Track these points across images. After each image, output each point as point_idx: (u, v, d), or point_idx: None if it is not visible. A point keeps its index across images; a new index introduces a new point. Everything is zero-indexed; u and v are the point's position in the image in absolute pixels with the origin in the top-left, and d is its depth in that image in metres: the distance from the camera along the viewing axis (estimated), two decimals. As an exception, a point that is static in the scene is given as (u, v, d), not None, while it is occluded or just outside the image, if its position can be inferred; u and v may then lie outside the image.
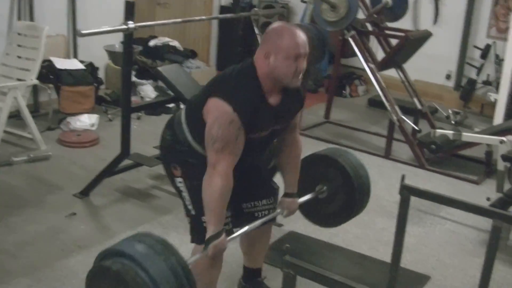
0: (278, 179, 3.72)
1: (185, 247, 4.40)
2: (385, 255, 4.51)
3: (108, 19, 6.76)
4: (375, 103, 8.33)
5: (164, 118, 7.18)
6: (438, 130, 6.20)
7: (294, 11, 10.01)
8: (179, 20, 5.78)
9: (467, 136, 6.04)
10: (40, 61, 6.16)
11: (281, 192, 3.68)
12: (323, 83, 9.18)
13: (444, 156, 6.42)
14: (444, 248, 4.82)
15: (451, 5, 8.82)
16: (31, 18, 6.86)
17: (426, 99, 7.80)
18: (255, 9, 5.96)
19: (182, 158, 3.34)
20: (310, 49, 3.19)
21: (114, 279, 2.67)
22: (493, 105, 7.59)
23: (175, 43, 8.36)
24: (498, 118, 7.12)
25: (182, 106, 7.08)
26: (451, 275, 4.45)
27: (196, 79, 5.93)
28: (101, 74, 7.56)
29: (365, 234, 4.93)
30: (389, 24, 7.32)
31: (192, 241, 3.39)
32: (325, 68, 9.13)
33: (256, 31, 6.20)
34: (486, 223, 5.07)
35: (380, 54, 7.30)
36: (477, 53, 8.58)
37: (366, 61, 6.69)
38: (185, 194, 3.34)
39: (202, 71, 8.33)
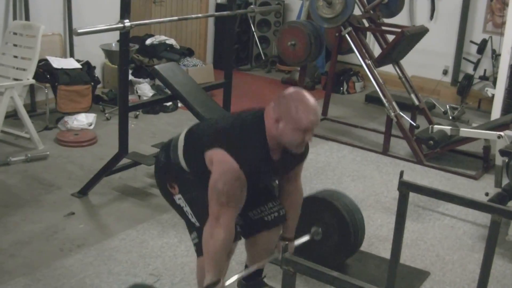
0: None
1: (184, 246, 4.42)
2: (384, 251, 4.53)
3: (104, 18, 6.76)
4: (372, 99, 8.33)
5: (162, 117, 7.26)
6: (436, 126, 6.20)
7: (290, 8, 10.00)
8: (175, 18, 5.77)
9: (465, 131, 6.04)
10: (36, 60, 6.15)
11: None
12: (320, 80, 9.18)
13: (442, 151, 6.42)
14: (443, 243, 4.82)
15: (447, 1, 8.82)
16: (27, 18, 6.86)
17: (423, 94, 7.80)
18: (252, 6, 5.98)
19: (177, 175, 3.35)
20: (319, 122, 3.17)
21: None
22: (490, 100, 7.58)
23: (171, 41, 8.35)
24: (496, 113, 7.11)
25: (180, 105, 7.11)
26: (450, 271, 4.44)
27: (193, 77, 5.93)
28: (98, 73, 7.55)
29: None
30: (386, 20, 7.32)
31: (199, 255, 3.36)
32: (322, 65, 9.13)
33: (253, 28, 6.21)
34: (485, 218, 5.08)
35: (377, 50, 7.29)
36: (474, 48, 8.58)
37: (363, 57, 6.68)
38: (187, 208, 3.35)
39: (199, 68, 8.33)
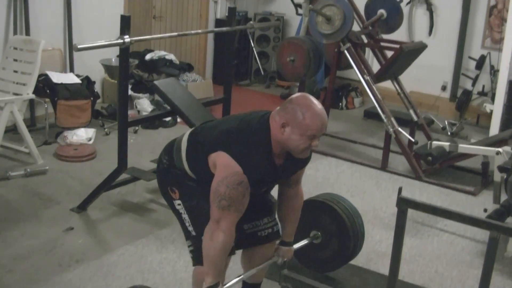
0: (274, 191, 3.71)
1: (183, 261, 4.42)
2: (383, 267, 4.52)
3: (104, 33, 6.81)
4: (371, 115, 8.34)
5: (161, 132, 7.26)
6: (435, 142, 6.21)
7: (289, 24, 10.04)
8: (175, 34, 5.81)
9: (463, 147, 6.05)
10: (36, 75, 6.17)
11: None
12: (319, 95, 9.19)
13: (441, 167, 6.42)
14: (442, 259, 4.82)
15: (445, 17, 8.85)
16: (27, 32, 6.88)
17: (422, 110, 7.82)
18: (251, 22, 5.97)
19: (179, 180, 3.35)
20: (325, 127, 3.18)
21: None
22: (489, 115, 7.60)
23: (171, 56, 8.37)
24: (494, 128, 7.12)
25: (179, 120, 7.11)
26: (449, 287, 4.44)
27: (193, 92, 5.95)
28: (97, 88, 7.56)
29: (362, 246, 4.92)
30: (384, 36, 7.35)
31: (194, 264, 3.40)
32: (321, 80, 9.15)
33: (252, 43, 6.23)
34: (483, 234, 5.08)
35: (375, 66, 7.32)
36: (472, 64, 8.60)
37: (362, 73, 6.70)
38: (185, 215, 3.35)
39: (199, 84, 8.35)
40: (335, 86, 8.03)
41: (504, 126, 7.16)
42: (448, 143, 6.14)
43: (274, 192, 3.67)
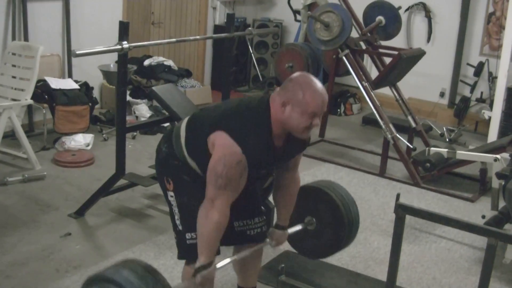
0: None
1: (180, 267, 4.38)
2: (381, 274, 4.52)
3: (102, 39, 6.82)
4: (369, 121, 8.35)
5: (159, 138, 7.19)
6: (433, 148, 6.22)
7: (288, 30, 10.05)
8: (174, 40, 5.80)
9: (461, 154, 6.06)
10: (34, 81, 6.16)
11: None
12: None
13: (439, 174, 6.43)
14: (440, 266, 4.82)
15: (444, 23, 8.87)
16: (26, 38, 6.88)
17: (420, 116, 7.83)
18: (249, 28, 5.99)
19: (176, 173, 3.34)
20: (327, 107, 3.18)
21: None
22: (487, 122, 7.61)
23: (169, 62, 8.38)
24: (492, 135, 7.13)
25: (176, 124, 7.10)
26: (447, 294, 4.45)
27: (191, 98, 5.94)
28: (96, 93, 7.57)
29: (360, 253, 4.93)
30: (383, 43, 7.35)
31: (178, 257, 3.43)
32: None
33: (251, 49, 6.23)
34: (481, 241, 5.08)
35: (374, 73, 7.32)
36: (471, 71, 8.61)
37: (360, 79, 6.71)
38: (175, 209, 3.36)
39: (197, 90, 8.35)
40: (333, 92, 8.05)
41: (502, 133, 7.18)
42: (446, 150, 6.16)
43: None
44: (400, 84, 7.12)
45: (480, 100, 8.46)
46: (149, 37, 8.73)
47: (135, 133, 7.19)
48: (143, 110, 7.66)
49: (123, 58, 4.69)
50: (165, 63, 8.31)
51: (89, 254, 4.60)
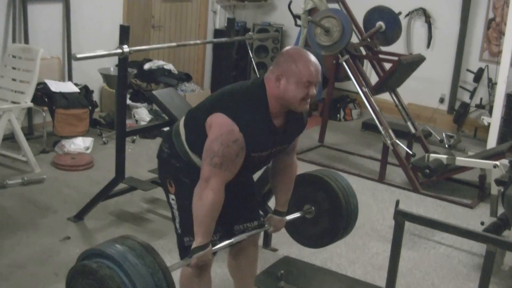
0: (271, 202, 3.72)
1: (179, 271, 4.39)
2: (380, 280, 4.52)
3: (102, 42, 6.83)
4: (369, 127, 8.35)
5: (159, 141, 7.18)
6: (432, 155, 6.22)
7: (288, 35, 10.06)
8: (174, 44, 5.79)
9: (460, 160, 6.06)
10: (34, 83, 6.16)
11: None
12: (317, 107, 9.21)
13: (438, 180, 6.43)
14: (438, 272, 4.82)
15: (444, 29, 8.88)
16: (26, 41, 6.89)
17: (419, 122, 7.84)
18: (250, 33, 6.00)
19: (177, 175, 3.32)
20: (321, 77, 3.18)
21: (98, 282, 2.70)
22: (486, 128, 7.61)
23: (169, 66, 8.38)
24: (492, 141, 7.13)
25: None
26: (446, 300, 4.44)
27: (191, 102, 5.94)
28: (95, 97, 7.57)
29: (359, 259, 4.93)
30: (383, 48, 7.36)
31: (180, 258, 3.39)
32: (319, 92, 9.14)
33: (250, 54, 6.23)
34: (480, 247, 5.08)
35: (373, 78, 7.33)
36: (470, 77, 8.62)
37: (360, 85, 6.71)
38: (176, 212, 3.34)
39: (197, 94, 8.36)
40: (333, 97, 8.06)
41: (501, 139, 7.18)
42: (445, 156, 6.16)
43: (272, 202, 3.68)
44: (399, 89, 7.13)
45: (480, 106, 8.47)
46: (149, 40, 8.73)
47: (134, 137, 7.19)
48: (143, 114, 7.66)
49: (124, 62, 4.69)
50: (165, 67, 8.31)
51: (88, 258, 4.59)
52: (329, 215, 3.89)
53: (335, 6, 7.42)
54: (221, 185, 3.07)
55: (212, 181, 3.04)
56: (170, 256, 4.61)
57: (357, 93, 6.87)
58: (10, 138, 6.44)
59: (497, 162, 5.51)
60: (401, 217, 3.22)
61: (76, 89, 6.96)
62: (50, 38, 7.24)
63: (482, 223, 5.21)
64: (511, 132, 7.37)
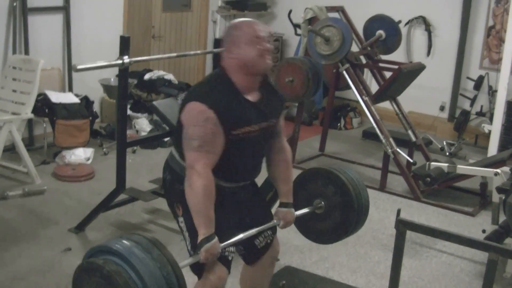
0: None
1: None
2: (381, 289, 4.51)
3: (103, 52, 6.84)
4: (369, 135, 8.34)
5: (160, 152, 7.26)
6: (433, 163, 6.22)
7: (288, 44, 10.07)
8: (174, 54, 5.79)
9: (461, 168, 6.05)
10: (35, 94, 6.17)
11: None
12: (318, 116, 9.21)
13: (439, 188, 6.42)
14: (441, 281, 4.81)
15: (444, 37, 8.89)
16: (26, 52, 6.89)
17: (420, 130, 7.83)
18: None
19: (183, 198, 3.25)
20: (272, 38, 3.21)
21: (105, 279, 2.64)
22: (487, 136, 7.60)
23: (170, 76, 8.38)
24: (492, 149, 7.12)
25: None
26: (448, 309, 4.43)
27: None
28: (96, 107, 7.58)
29: (361, 268, 4.92)
30: (383, 57, 7.37)
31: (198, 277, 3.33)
32: (319, 101, 9.15)
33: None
34: (482, 255, 5.06)
35: (374, 86, 7.34)
36: (471, 84, 8.62)
37: (360, 93, 6.71)
38: (186, 233, 3.30)
39: (197, 104, 8.34)
40: (333, 106, 8.05)
41: (502, 146, 7.17)
42: (446, 164, 6.15)
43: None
44: (400, 98, 7.13)
45: (480, 113, 8.47)
46: (149, 50, 8.75)
47: (135, 147, 7.18)
48: (143, 124, 7.66)
49: (124, 72, 4.70)
50: (166, 77, 8.31)
51: (89, 269, 4.58)
52: (340, 209, 3.80)
53: (335, 15, 7.43)
54: (207, 168, 3.06)
55: (197, 166, 3.03)
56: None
57: (358, 101, 6.86)
58: (10, 149, 6.45)
59: (498, 170, 5.50)
60: (402, 226, 3.22)
61: (76, 100, 6.97)
62: (50, 49, 7.25)
63: (484, 231, 5.20)
64: (512, 139, 7.37)
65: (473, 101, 8.54)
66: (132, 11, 8.37)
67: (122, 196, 5.20)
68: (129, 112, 7.59)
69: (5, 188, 5.83)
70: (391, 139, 6.55)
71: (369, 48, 7.24)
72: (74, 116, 6.78)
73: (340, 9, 7.57)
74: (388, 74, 6.89)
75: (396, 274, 3.29)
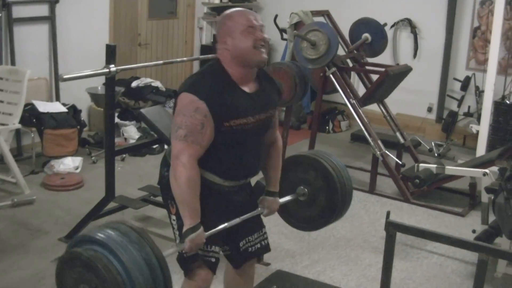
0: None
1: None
2: (373, 291, 4.52)
3: (89, 61, 6.81)
4: (358, 138, 8.36)
5: (149, 159, 7.26)
6: (422, 164, 6.22)
7: (275, 49, 10.08)
8: (161, 62, 5.78)
9: (450, 169, 6.06)
10: (22, 105, 6.16)
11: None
12: (306, 120, 9.22)
13: (429, 189, 6.43)
14: (432, 282, 4.82)
15: (430, 39, 8.92)
16: (13, 62, 6.88)
17: (408, 132, 7.85)
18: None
19: None
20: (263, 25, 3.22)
21: (85, 266, 2.62)
22: (475, 136, 7.62)
23: (157, 83, 8.38)
24: (481, 149, 7.14)
25: (166, 147, 7.11)
26: (440, 309, 4.44)
27: (179, 119, 5.94)
28: (84, 116, 7.56)
29: (352, 271, 4.92)
30: (369, 60, 7.38)
31: (184, 274, 3.33)
32: (307, 105, 9.16)
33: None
34: (473, 255, 5.08)
35: (361, 89, 7.35)
36: (457, 85, 8.66)
37: (348, 97, 6.72)
38: (176, 232, 3.29)
39: (185, 110, 8.33)
40: (321, 110, 8.06)
41: (490, 146, 7.19)
42: (435, 165, 6.16)
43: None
44: (387, 100, 7.15)
45: (468, 114, 8.50)
46: (136, 58, 8.74)
47: (124, 155, 7.17)
48: (131, 132, 7.65)
49: (111, 81, 4.69)
50: (153, 84, 8.31)
51: (80, 278, 4.57)
52: (323, 191, 3.79)
53: (320, 19, 7.44)
54: (192, 159, 3.03)
55: (182, 157, 3.01)
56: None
57: (345, 105, 6.87)
58: (-1, 160, 6.43)
59: (487, 170, 5.51)
60: (392, 228, 3.22)
61: (64, 109, 6.96)
62: (37, 59, 7.24)
63: (474, 231, 5.21)
64: (500, 139, 7.38)
65: (460, 102, 8.58)
66: (118, 19, 8.36)
67: (112, 204, 5.20)
68: (117, 120, 7.58)
69: (-6, 199, 5.82)
70: (379, 142, 6.57)
71: (355, 52, 7.26)
72: (62, 126, 6.77)
73: (326, 13, 7.59)
74: (375, 77, 6.90)
75: (387, 276, 3.29)
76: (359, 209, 6.17)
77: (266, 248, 3.57)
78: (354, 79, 7.94)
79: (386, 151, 6.54)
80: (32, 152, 6.72)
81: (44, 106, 6.84)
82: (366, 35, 7.24)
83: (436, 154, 7.94)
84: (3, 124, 6.10)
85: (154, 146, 7.32)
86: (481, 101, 7.87)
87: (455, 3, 8.60)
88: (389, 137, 7.38)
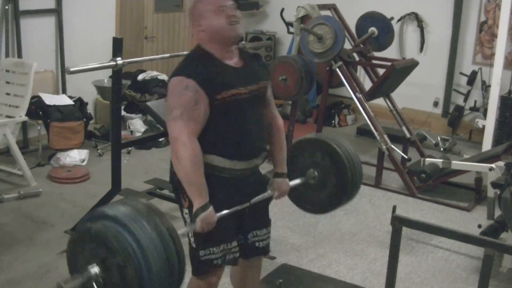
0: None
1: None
2: (378, 286, 4.52)
3: (96, 54, 6.82)
4: (364, 132, 8.35)
5: (154, 152, 7.26)
6: (428, 159, 6.22)
7: (281, 42, 10.07)
8: (167, 55, 5.79)
9: (456, 164, 6.06)
10: (28, 97, 6.17)
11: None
12: (312, 113, 9.22)
13: (434, 184, 6.43)
14: (437, 277, 4.81)
15: (436, 33, 8.90)
16: (19, 55, 6.88)
17: (414, 126, 7.84)
18: (242, 42, 5.98)
19: None
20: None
21: (95, 240, 2.61)
22: (481, 131, 7.61)
23: (163, 76, 8.37)
24: (487, 144, 7.13)
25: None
26: (445, 304, 4.44)
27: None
28: (90, 109, 7.57)
29: (357, 265, 4.93)
30: (376, 54, 7.37)
31: (192, 273, 3.33)
32: (313, 99, 9.17)
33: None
34: (478, 250, 5.08)
35: (367, 83, 7.34)
36: (464, 80, 8.64)
37: (354, 91, 6.71)
38: None
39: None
40: (327, 104, 8.05)
41: (496, 141, 7.18)
42: (441, 160, 6.16)
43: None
44: (393, 94, 7.14)
45: (474, 109, 8.48)
46: (142, 51, 8.74)
47: (130, 148, 7.17)
48: (137, 125, 7.66)
49: (117, 74, 4.69)
50: (159, 77, 8.30)
51: (86, 271, 4.58)
52: (332, 170, 3.77)
53: (327, 13, 7.43)
54: (191, 137, 3.05)
55: (182, 137, 3.03)
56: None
57: (351, 99, 6.87)
58: (5, 152, 6.44)
59: (493, 165, 5.51)
60: (398, 222, 3.22)
61: (70, 102, 6.97)
62: (43, 52, 7.24)
63: (480, 226, 5.21)
64: (506, 134, 7.38)
65: (466, 96, 8.56)
66: (124, 13, 8.36)
67: (117, 197, 5.19)
68: (123, 113, 7.58)
69: (1, 191, 5.82)
70: (385, 136, 6.56)
71: (361, 46, 7.25)
72: (68, 118, 6.78)
73: (332, 7, 7.57)
74: (381, 71, 6.88)
75: (392, 270, 3.29)
76: (364, 203, 6.17)
77: (268, 248, 3.58)
78: (360, 73, 7.93)
79: (392, 145, 6.53)
80: (38, 144, 6.73)
81: (51, 99, 6.85)
82: (372, 29, 7.22)
83: (442, 149, 7.93)
84: (9, 117, 6.11)
85: (160, 139, 7.32)
86: (487, 95, 7.85)
87: (462, -3, 8.58)
88: (395, 131, 7.37)
